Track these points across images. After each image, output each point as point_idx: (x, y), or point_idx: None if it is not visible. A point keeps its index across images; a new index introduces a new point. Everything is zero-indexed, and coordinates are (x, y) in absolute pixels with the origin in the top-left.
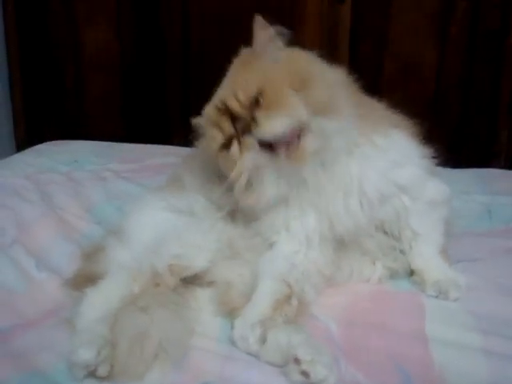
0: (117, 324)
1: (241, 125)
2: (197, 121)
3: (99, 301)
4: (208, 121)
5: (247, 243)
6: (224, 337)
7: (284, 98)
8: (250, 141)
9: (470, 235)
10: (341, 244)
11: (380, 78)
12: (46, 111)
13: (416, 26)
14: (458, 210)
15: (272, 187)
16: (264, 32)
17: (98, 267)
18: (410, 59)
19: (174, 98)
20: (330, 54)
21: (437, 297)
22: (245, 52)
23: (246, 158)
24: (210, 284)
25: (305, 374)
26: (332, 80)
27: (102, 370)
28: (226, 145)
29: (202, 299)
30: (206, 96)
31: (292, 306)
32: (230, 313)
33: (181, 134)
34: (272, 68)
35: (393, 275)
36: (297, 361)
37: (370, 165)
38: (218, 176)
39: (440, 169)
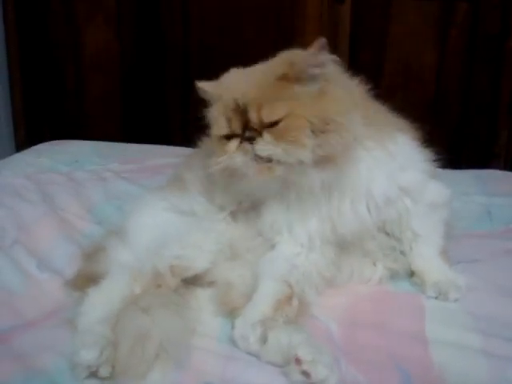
0: (118, 324)
1: (248, 134)
2: (205, 87)
3: (101, 301)
4: (222, 107)
5: (248, 244)
6: (225, 337)
7: (298, 136)
8: (249, 148)
9: (470, 236)
10: (342, 245)
11: (380, 79)
12: (45, 111)
13: (416, 28)
14: (458, 211)
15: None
16: (317, 56)
17: (99, 267)
18: (410, 61)
19: (173, 98)
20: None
21: (437, 298)
22: (287, 61)
23: (237, 159)
24: (211, 284)
25: (306, 374)
26: (351, 127)
27: (104, 371)
28: (226, 137)
29: (203, 299)
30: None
31: (293, 307)
32: (231, 313)
33: (180, 134)
34: (305, 98)
35: (393, 276)
36: (298, 361)
37: (379, 169)
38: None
39: (440, 170)
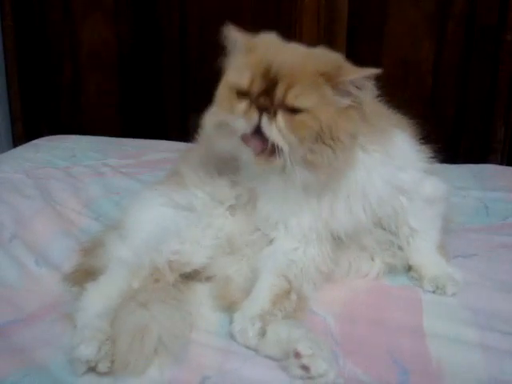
0: (117, 319)
1: (265, 103)
2: (233, 34)
3: (99, 296)
4: (253, 59)
5: (246, 239)
6: (223, 331)
7: (305, 135)
8: (255, 117)
9: (467, 231)
10: (339, 241)
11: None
12: (43, 106)
13: (413, 22)
14: (456, 205)
15: (226, 143)
16: (361, 77)
17: (98, 262)
18: (407, 55)
19: (171, 93)
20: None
21: (434, 292)
22: (331, 57)
23: (241, 124)
24: (209, 279)
25: (305, 368)
26: (350, 151)
27: (103, 366)
28: (240, 92)
29: (201, 294)
30: (203, 91)
31: (291, 301)
32: (229, 307)
33: (178, 129)
34: (329, 109)
35: (391, 270)
36: (297, 355)
37: (377, 172)
38: (218, 171)
39: (437, 165)
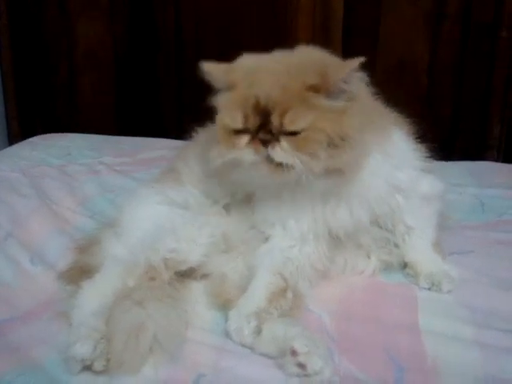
0: (112, 318)
1: (265, 137)
2: (213, 69)
3: (95, 294)
4: (240, 99)
5: (242, 237)
6: (218, 329)
7: (315, 149)
8: (261, 150)
9: (463, 228)
10: (336, 239)
11: (373, 72)
12: (38, 105)
13: (409, 20)
14: (452, 202)
15: (248, 179)
16: (348, 73)
17: (93, 260)
18: (403, 53)
19: (167, 91)
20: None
21: (430, 289)
22: (312, 67)
23: (248, 157)
24: (205, 277)
25: (301, 365)
26: (364, 142)
27: (99, 365)
28: (238, 131)
29: (197, 292)
30: (199, 89)
31: (287, 299)
32: (224, 304)
33: (174, 127)
34: (329, 116)
35: (387, 268)
36: (293, 352)
37: (377, 173)
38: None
39: (434, 163)
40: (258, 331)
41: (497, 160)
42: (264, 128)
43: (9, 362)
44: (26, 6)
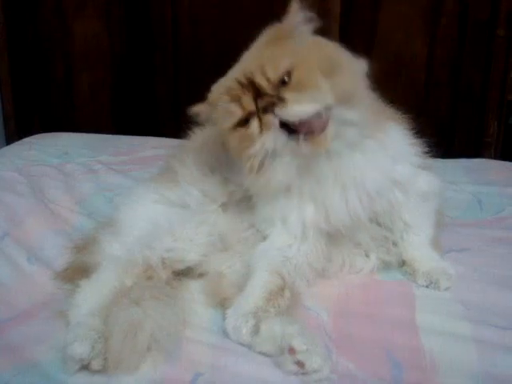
0: (109, 317)
1: (264, 103)
2: (198, 109)
3: (93, 293)
4: (226, 95)
5: (239, 235)
6: (216, 328)
7: (314, 81)
8: (271, 120)
9: (460, 225)
10: (334, 237)
11: (371, 68)
12: (35, 103)
13: (406, 17)
14: (449, 200)
15: (283, 171)
16: (297, 14)
17: (90, 259)
18: (400, 50)
19: (164, 89)
20: None
21: (427, 286)
22: (272, 29)
23: (267, 138)
24: (202, 275)
25: (300, 363)
26: (356, 70)
27: (96, 364)
28: (243, 122)
29: (194, 291)
30: (195, 88)
31: (285, 298)
32: (222, 303)
33: (171, 126)
34: (302, 50)
35: (386, 267)
36: (292, 351)
37: (373, 159)
38: (211, 168)
39: (431, 160)
40: (256, 330)
41: (493, 157)
42: (261, 97)
43: (6, 362)
44: (22, 5)
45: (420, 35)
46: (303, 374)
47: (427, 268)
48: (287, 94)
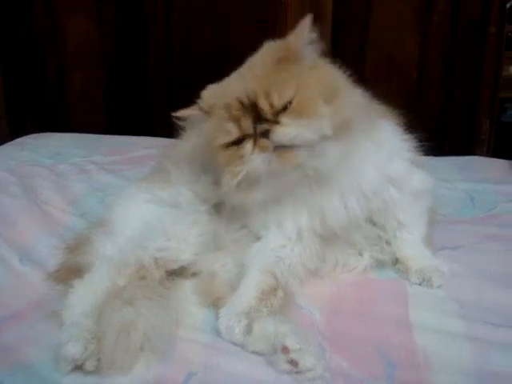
0: (102, 317)
1: (263, 128)
2: (187, 113)
3: (85, 294)
4: (225, 112)
5: (232, 236)
6: (209, 327)
7: (313, 107)
8: (267, 144)
9: (453, 223)
10: (328, 238)
11: (362, 67)
12: (28, 104)
13: (398, 16)
14: (442, 197)
15: (261, 190)
16: (306, 33)
17: (83, 259)
18: (393, 49)
19: (156, 89)
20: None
21: (420, 284)
22: (278, 47)
23: (258, 159)
24: (195, 275)
25: (293, 362)
26: (356, 100)
27: (89, 365)
28: (236, 141)
29: (187, 290)
30: (188, 87)
31: (277, 298)
32: (214, 302)
33: (163, 125)
34: (305, 75)
35: (379, 265)
36: (285, 350)
37: (368, 160)
38: (203, 168)
39: (423, 158)
40: (249, 329)
41: (486, 155)
42: (259, 121)
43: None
44: (14, 5)
45: (412, 34)
46: (296, 372)
47: (420, 266)
48: (284, 119)
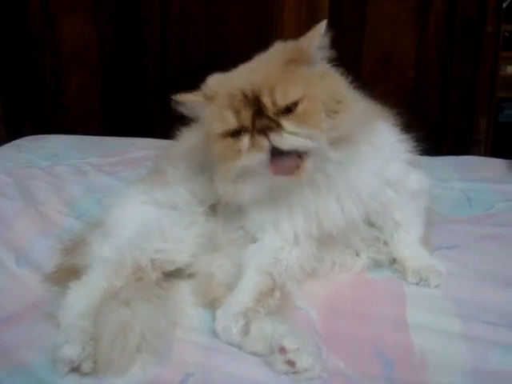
0: (99, 318)
1: (261, 124)
2: (187, 98)
3: (82, 295)
4: (227, 101)
5: (229, 237)
6: (206, 328)
7: (317, 119)
8: (265, 142)
9: (450, 222)
10: (325, 240)
11: (359, 67)
12: (24, 105)
13: (395, 14)
14: (439, 197)
15: (255, 188)
16: (319, 37)
17: (79, 261)
18: (389, 48)
19: (153, 91)
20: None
21: (417, 284)
22: (291, 47)
23: (254, 157)
24: (192, 276)
25: (291, 363)
26: (357, 115)
27: (86, 366)
28: (233, 133)
29: (184, 291)
30: (185, 89)
31: (275, 298)
32: (211, 303)
33: (161, 126)
34: (313, 81)
35: (376, 265)
36: (282, 350)
37: (366, 165)
38: (200, 168)
39: (420, 157)
40: (246, 330)
41: (483, 154)
42: (259, 116)
43: None
44: (11, 7)
45: (409, 33)
46: (294, 373)
47: (417, 266)
48: (287, 123)
